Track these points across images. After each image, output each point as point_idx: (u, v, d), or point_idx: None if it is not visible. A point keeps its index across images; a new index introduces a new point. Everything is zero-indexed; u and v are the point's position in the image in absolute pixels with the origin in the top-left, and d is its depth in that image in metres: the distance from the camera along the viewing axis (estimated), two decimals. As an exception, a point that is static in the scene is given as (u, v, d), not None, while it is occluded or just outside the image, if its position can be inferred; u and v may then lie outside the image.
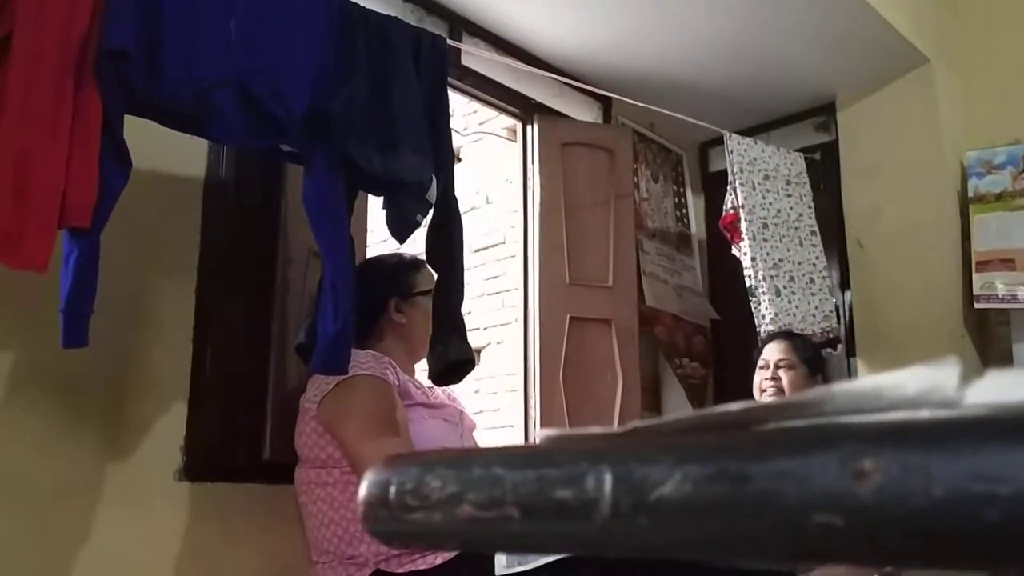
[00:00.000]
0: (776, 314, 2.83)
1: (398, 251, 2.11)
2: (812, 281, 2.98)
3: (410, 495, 0.31)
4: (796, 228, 3.02)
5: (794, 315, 2.87)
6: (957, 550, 0.22)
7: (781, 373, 2.51)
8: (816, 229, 3.08)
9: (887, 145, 3.16)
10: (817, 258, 3.04)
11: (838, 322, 3.03)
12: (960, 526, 0.22)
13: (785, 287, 2.89)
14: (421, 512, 0.31)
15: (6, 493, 1.60)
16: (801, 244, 3.01)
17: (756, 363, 2.59)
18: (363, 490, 0.32)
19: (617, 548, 0.27)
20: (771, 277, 2.86)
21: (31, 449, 1.65)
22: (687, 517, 0.25)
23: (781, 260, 2.92)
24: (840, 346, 3.05)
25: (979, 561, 0.22)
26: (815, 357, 2.60)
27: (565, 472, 0.28)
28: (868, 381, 0.25)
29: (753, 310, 2.87)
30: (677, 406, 3.18)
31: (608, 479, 0.27)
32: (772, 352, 2.55)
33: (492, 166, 4.03)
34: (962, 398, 0.24)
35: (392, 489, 0.32)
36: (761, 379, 2.54)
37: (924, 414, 0.24)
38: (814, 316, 2.93)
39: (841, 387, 0.26)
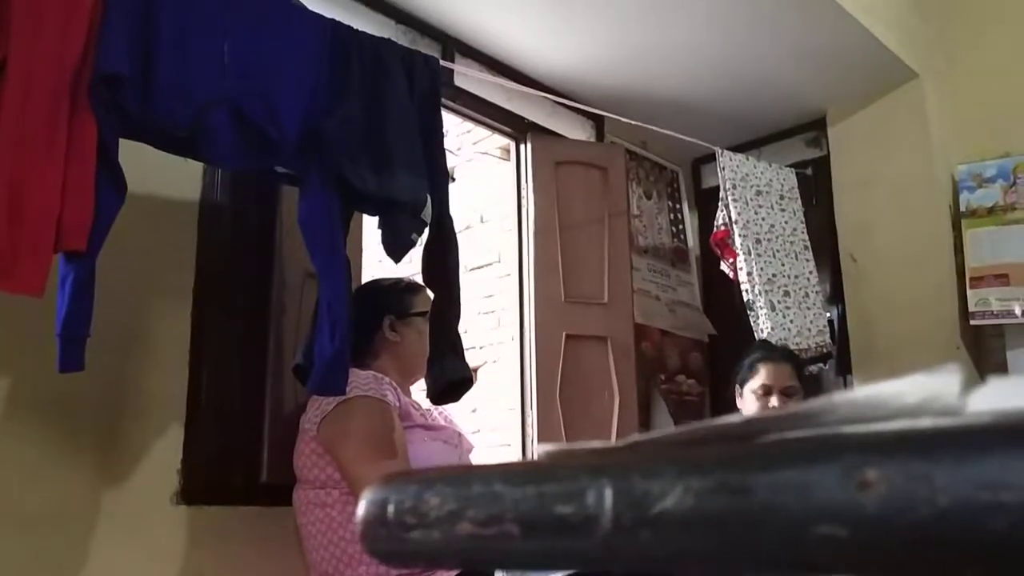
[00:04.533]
0: (772, 328, 2.83)
1: (400, 276, 2.13)
2: (807, 295, 2.98)
3: (409, 513, 0.31)
4: (791, 242, 3.03)
5: (789, 330, 2.87)
6: (963, 560, 0.22)
7: (789, 402, 2.22)
8: (808, 244, 3.09)
9: (878, 160, 3.18)
10: (811, 272, 3.04)
11: (830, 337, 3.03)
12: (966, 535, 0.21)
13: (779, 302, 2.89)
14: (420, 530, 0.30)
15: (1, 518, 1.59)
16: (796, 258, 3.01)
17: (744, 380, 2.36)
18: (361, 509, 0.32)
19: (619, 563, 0.27)
20: (766, 292, 2.87)
21: (27, 474, 1.64)
22: (689, 530, 0.25)
23: (775, 275, 2.92)
24: (831, 361, 3.04)
25: (986, 570, 0.22)
26: (804, 375, 2.45)
27: (565, 487, 0.28)
28: (869, 391, 0.25)
29: (752, 324, 2.87)
30: (662, 423, 3.17)
31: (609, 494, 0.27)
32: (775, 376, 2.29)
33: (486, 185, 4.04)
34: (964, 406, 0.24)
35: (390, 507, 0.31)
36: (763, 406, 2.26)
37: (926, 423, 0.24)
38: (809, 331, 2.93)
39: (842, 397, 0.25)
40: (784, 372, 2.31)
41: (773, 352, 2.42)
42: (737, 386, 2.39)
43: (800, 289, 2.97)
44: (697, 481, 0.25)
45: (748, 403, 2.32)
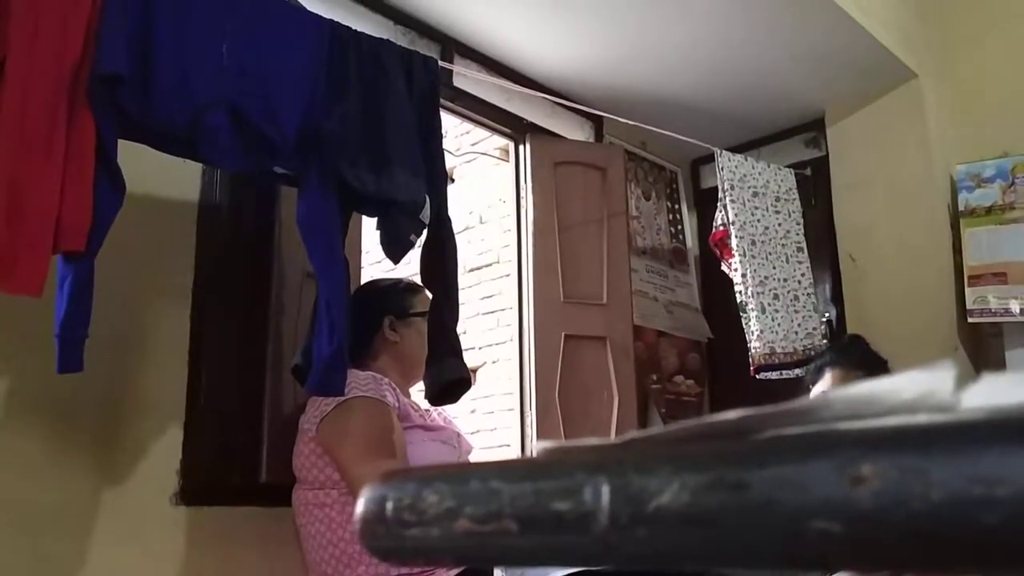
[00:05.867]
0: (761, 331, 2.83)
1: (397, 276, 2.13)
2: (796, 298, 2.98)
3: (407, 511, 0.31)
4: (783, 245, 3.03)
5: (776, 332, 2.87)
6: (957, 554, 0.22)
7: None
8: (803, 246, 3.09)
9: (877, 160, 3.18)
10: (803, 275, 3.04)
11: (823, 339, 3.02)
12: (960, 530, 0.21)
13: (769, 304, 2.90)
14: (418, 528, 0.31)
15: (1, 518, 1.59)
16: (787, 261, 3.01)
17: (812, 382, 2.18)
18: (360, 507, 0.32)
19: (616, 559, 0.27)
20: (758, 294, 2.87)
21: (26, 474, 1.64)
22: (686, 526, 0.25)
23: (767, 277, 2.92)
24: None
25: (979, 564, 0.22)
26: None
27: (562, 484, 0.28)
28: (864, 387, 0.25)
29: (744, 326, 2.87)
30: (654, 422, 3.17)
31: (606, 490, 0.27)
32: (839, 383, 2.08)
33: (485, 186, 4.04)
34: (958, 402, 0.24)
35: (389, 505, 0.31)
36: None
37: (921, 418, 0.24)
38: (796, 333, 2.93)
39: (837, 393, 0.26)
40: (851, 380, 2.07)
41: (842, 357, 2.21)
42: (807, 385, 2.23)
43: (789, 292, 2.97)
44: (693, 477, 0.25)
45: None
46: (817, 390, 2.15)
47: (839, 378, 2.11)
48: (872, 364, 2.17)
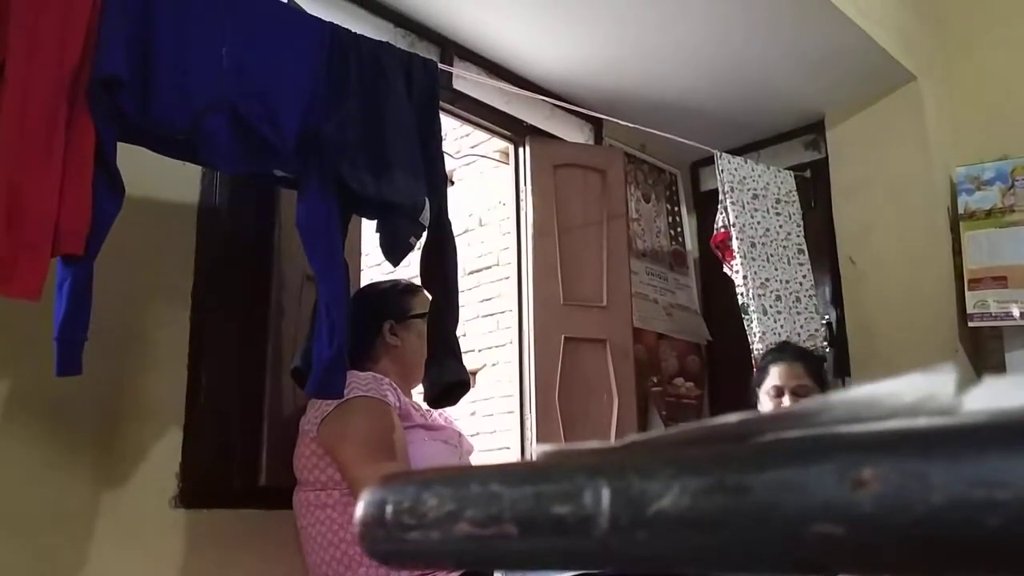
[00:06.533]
0: (763, 333, 2.83)
1: (395, 278, 2.13)
2: (798, 300, 2.98)
3: (407, 514, 0.31)
4: (784, 247, 3.03)
5: (779, 334, 2.87)
6: (959, 557, 0.22)
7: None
8: (804, 248, 3.09)
9: (876, 162, 3.18)
10: (804, 276, 3.04)
11: (825, 340, 3.03)
12: (961, 533, 0.21)
13: (771, 306, 2.90)
14: (418, 531, 0.30)
15: (1, 521, 1.59)
16: (788, 263, 3.02)
17: (758, 382, 2.29)
18: (360, 510, 0.32)
19: (616, 563, 0.27)
20: (759, 296, 2.87)
21: (25, 478, 1.63)
22: (686, 530, 0.25)
23: (768, 279, 2.92)
24: (826, 364, 3.03)
25: (981, 568, 0.22)
26: (823, 373, 2.33)
27: (563, 487, 0.28)
28: (865, 390, 0.25)
29: (746, 328, 2.87)
30: (654, 427, 3.17)
31: (606, 494, 0.27)
32: (785, 376, 2.23)
33: (485, 188, 4.04)
34: (959, 405, 0.24)
35: (389, 508, 0.31)
36: (776, 407, 2.02)
37: (922, 421, 0.24)
38: (799, 335, 2.93)
39: (838, 396, 0.26)
40: (794, 371, 2.24)
41: (784, 352, 2.35)
42: (755, 388, 2.32)
43: (791, 294, 2.97)
44: (694, 481, 0.25)
45: (763, 405, 2.25)
46: (767, 387, 2.25)
47: (785, 371, 2.24)
48: (808, 355, 2.37)
